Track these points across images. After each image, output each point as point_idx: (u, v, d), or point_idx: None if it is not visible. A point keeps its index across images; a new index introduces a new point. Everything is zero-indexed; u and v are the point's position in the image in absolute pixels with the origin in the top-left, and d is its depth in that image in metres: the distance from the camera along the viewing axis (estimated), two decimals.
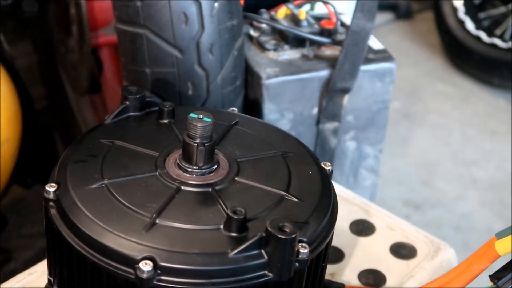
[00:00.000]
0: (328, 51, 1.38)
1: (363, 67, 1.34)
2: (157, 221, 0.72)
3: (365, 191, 1.51)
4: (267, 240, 0.69)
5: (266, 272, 0.70)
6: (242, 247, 0.69)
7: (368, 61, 1.36)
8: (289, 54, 1.36)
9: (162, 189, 0.76)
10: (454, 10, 2.99)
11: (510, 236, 0.75)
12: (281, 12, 1.43)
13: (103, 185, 0.76)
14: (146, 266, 0.67)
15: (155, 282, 0.68)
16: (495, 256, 0.76)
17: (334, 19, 1.38)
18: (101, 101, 1.67)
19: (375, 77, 1.37)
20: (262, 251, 0.69)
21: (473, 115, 2.74)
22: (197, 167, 0.78)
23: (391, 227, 1.09)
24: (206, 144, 0.77)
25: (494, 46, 2.86)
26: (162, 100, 1.12)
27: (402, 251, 1.04)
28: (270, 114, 1.31)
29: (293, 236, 0.68)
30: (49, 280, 0.82)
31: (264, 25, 1.41)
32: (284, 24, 1.38)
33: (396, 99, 2.74)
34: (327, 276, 0.92)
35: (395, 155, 2.44)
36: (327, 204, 0.79)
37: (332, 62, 1.33)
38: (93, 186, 0.76)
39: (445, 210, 2.20)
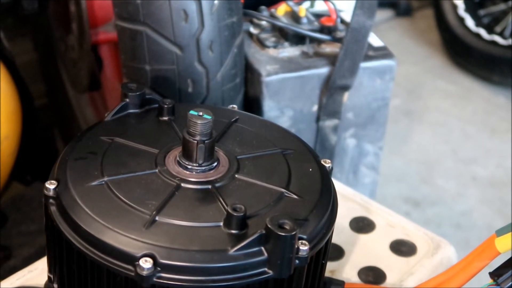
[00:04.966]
0: (328, 48, 1.38)
1: (363, 64, 1.34)
2: (157, 218, 0.72)
3: (365, 189, 1.51)
4: (267, 237, 0.69)
5: (266, 269, 0.70)
6: (242, 244, 0.69)
7: (368, 58, 1.36)
8: (289, 51, 1.36)
9: (162, 187, 0.76)
10: (454, 7, 2.99)
11: (510, 233, 0.75)
12: (281, 9, 1.42)
13: (103, 182, 0.76)
14: (146, 264, 0.67)
15: (155, 279, 0.68)
16: (495, 254, 0.76)
17: (334, 16, 1.38)
18: (101, 98, 1.67)
19: (375, 75, 1.37)
20: (262, 248, 0.69)
21: (473, 113, 2.74)
22: (197, 164, 0.78)
23: (391, 224, 1.09)
24: (206, 141, 0.77)
25: (494, 43, 2.86)
26: (162, 97, 1.12)
27: (402, 248, 1.04)
28: (270, 111, 1.31)
29: (293, 233, 0.68)
30: (49, 277, 0.82)
31: (264, 22, 1.41)
32: (284, 21, 1.38)
33: (396, 97, 2.74)
34: (327, 273, 0.92)
35: (395, 152, 2.44)
36: (327, 202, 0.79)
37: (332, 59, 1.33)
38: (93, 183, 0.76)
39: (445, 207, 2.20)
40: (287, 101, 1.32)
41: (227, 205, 0.73)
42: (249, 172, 0.81)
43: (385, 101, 1.41)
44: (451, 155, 2.47)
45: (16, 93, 1.50)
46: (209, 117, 0.77)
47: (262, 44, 1.37)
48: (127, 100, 0.90)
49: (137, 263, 0.67)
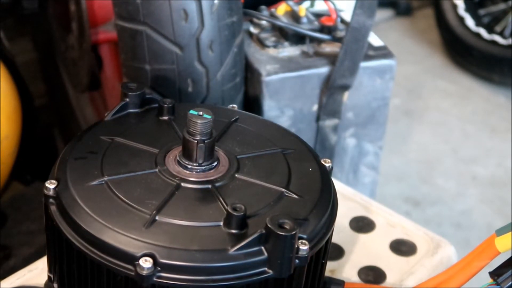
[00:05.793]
0: (328, 48, 1.38)
1: (363, 64, 1.34)
2: (157, 218, 0.72)
3: (365, 188, 1.51)
4: (267, 237, 0.69)
5: (266, 269, 0.70)
6: (242, 244, 0.69)
7: (368, 58, 1.36)
8: (289, 51, 1.36)
9: (162, 186, 0.76)
10: (454, 7, 2.99)
11: (510, 233, 0.75)
12: (281, 9, 1.42)
13: (103, 182, 0.76)
14: (146, 263, 0.67)
15: (155, 279, 0.68)
16: (495, 253, 0.76)
17: (334, 16, 1.38)
18: (101, 98, 1.67)
19: (375, 74, 1.37)
20: (262, 248, 0.69)
21: (473, 112, 2.74)
22: (197, 164, 0.78)
23: (391, 224, 1.09)
24: (206, 141, 0.77)
25: (494, 43, 2.86)
26: (162, 97, 1.12)
27: (402, 248, 1.04)
28: (270, 111, 1.31)
29: (293, 233, 0.68)
30: (49, 277, 0.82)
31: (264, 22, 1.41)
32: (284, 21, 1.38)
33: (396, 96, 2.74)
34: (327, 273, 0.92)
35: (395, 152, 2.44)
36: (327, 201, 0.79)
37: (332, 59, 1.33)
38: (93, 183, 0.76)
39: (445, 207, 2.20)
40: (287, 101, 1.32)
41: (227, 205, 0.73)
42: (249, 172, 0.81)
43: (385, 100, 1.41)
44: (451, 155, 2.47)
45: (16, 93, 1.50)
46: (209, 116, 0.77)
47: (262, 43, 1.37)
48: (127, 99, 0.90)
49: (137, 262, 0.67)
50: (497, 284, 0.74)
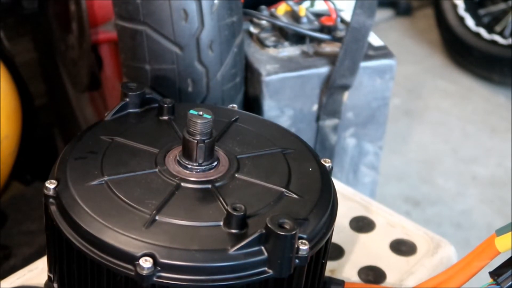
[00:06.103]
0: (328, 48, 1.38)
1: (363, 64, 1.34)
2: (157, 217, 0.72)
3: (365, 188, 1.51)
4: (267, 237, 0.69)
5: (266, 268, 0.70)
6: (242, 243, 0.69)
7: (368, 57, 1.36)
8: (289, 50, 1.36)
9: (162, 186, 0.76)
10: (454, 6, 2.99)
11: (510, 232, 0.75)
12: (281, 8, 1.42)
13: (103, 182, 0.76)
14: (146, 263, 0.67)
15: (155, 279, 0.68)
16: (495, 253, 0.76)
17: (334, 16, 1.38)
18: (101, 97, 1.67)
19: (375, 74, 1.37)
20: (262, 247, 0.69)
21: (473, 112, 2.74)
22: (197, 164, 0.78)
23: (391, 223, 1.09)
24: (206, 141, 0.77)
25: (494, 42, 2.86)
26: (162, 96, 1.12)
27: (402, 247, 1.04)
28: (270, 110, 1.31)
29: (293, 232, 0.68)
30: (49, 276, 0.82)
31: (264, 22, 1.41)
32: (284, 21, 1.38)
33: (396, 96, 2.74)
34: (327, 273, 0.92)
35: (395, 152, 2.44)
36: (327, 201, 0.79)
37: (332, 59, 1.33)
38: (93, 182, 0.76)
39: (445, 207, 2.20)
40: (287, 101, 1.32)
41: (227, 205, 0.73)
42: (249, 172, 0.81)
43: (385, 100, 1.41)
44: (451, 155, 2.47)
45: (16, 92, 1.50)
46: (209, 116, 0.77)
47: (262, 43, 1.37)
48: (127, 99, 0.90)
49: (137, 262, 0.67)
50: (497, 284, 0.74)
